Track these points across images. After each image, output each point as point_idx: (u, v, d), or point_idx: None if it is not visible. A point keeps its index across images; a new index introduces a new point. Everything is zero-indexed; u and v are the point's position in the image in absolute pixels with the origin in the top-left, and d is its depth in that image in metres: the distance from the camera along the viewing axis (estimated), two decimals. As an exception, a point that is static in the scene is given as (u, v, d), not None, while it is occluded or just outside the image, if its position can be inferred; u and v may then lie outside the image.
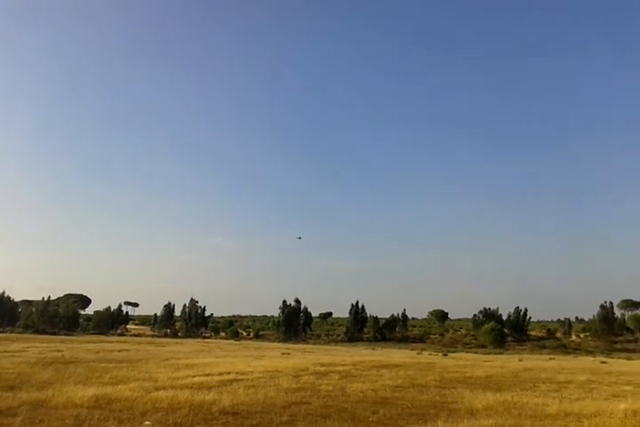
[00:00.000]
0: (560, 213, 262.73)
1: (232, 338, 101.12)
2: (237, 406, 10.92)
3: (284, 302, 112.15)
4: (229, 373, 19.08)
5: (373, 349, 71.66)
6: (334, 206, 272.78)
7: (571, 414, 11.04)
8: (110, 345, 47.61)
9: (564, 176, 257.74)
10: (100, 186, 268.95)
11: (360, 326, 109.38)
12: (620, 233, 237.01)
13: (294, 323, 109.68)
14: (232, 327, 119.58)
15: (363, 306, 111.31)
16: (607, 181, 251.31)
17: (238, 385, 15.04)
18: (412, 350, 70.14)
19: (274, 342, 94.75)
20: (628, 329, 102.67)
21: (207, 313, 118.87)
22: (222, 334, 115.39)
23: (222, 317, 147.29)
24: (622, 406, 12.19)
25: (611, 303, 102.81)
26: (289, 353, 41.95)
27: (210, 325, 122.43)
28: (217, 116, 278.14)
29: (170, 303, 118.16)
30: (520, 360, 42.73)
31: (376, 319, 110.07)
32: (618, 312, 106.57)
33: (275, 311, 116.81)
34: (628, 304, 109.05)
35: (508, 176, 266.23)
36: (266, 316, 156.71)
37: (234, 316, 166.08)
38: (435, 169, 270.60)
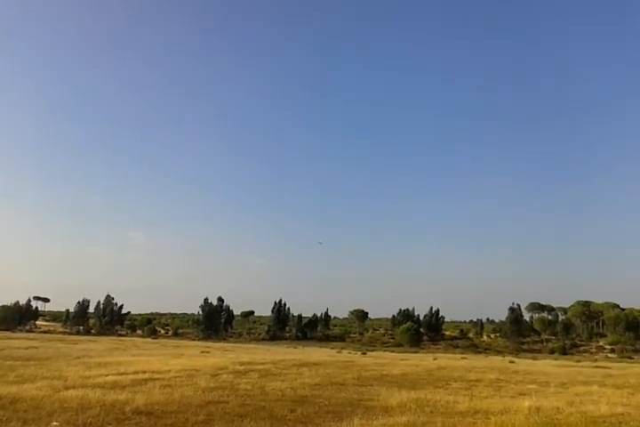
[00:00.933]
0: (476, 219, 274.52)
1: (149, 336, 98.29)
2: (152, 406, 10.58)
3: (206, 299, 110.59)
4: (145, 372, 18.49)
5: (295, 347, 71.94)
6: (256, 200, 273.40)
7: (479, 412, 11.53)
8: (17, 342, 44.95)
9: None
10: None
11: (282, 325, 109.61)
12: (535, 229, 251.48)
13: (215, 321, 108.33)
14: (150, 325, 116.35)
15: (285, 304, 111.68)
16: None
17: (154, 384, 14.59)
18: (332, 348, 70.99)
19: (193, 340, 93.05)
20: (534, 331, 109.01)
21: (124, 310, 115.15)
22: (139, 331, 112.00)
23: (140, 314, 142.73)
24: (527, 403, 12.91)
25: (519, 306, 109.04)
26: (208, 352, 41.26)
27: (126, 322, 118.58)
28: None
29: (84, 299, 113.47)
30: (434, 359, 44.17)
31: (299, 318, 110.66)
32: (526, 315, 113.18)
33: (195, 309, 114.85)
34: (535, 307, 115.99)
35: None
36: (186, 314, 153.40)
37: (152, 313, 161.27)
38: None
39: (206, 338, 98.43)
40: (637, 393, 17.80)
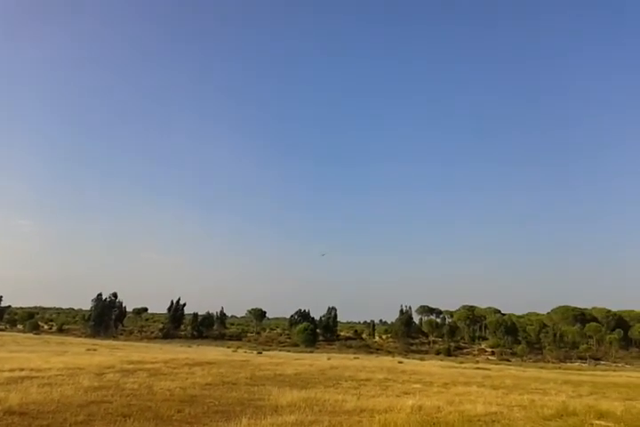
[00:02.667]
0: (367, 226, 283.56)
1: (31, 331, 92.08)
2: (27, 406, 9.92)
3: (99, 295, 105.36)
4: (22, 369, 17.33)
5: (189, 346, 70.38)
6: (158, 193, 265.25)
7: (365, 410, 11.90)
8: None
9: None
10: None
11: (177, 323, 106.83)
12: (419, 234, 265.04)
13: (106, 318, 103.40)
14: (32, 320, 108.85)
15: (179, 301, 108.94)
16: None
17: (31, 383, 13.70)
18: (228, 347, 70.26)
19: (79, 337, 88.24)
20: (423, 332, 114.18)
21: (4, 303, 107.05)
22: (20, 326, 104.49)
23: (22, 308, 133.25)
24: (410, 402, 13.49)
25: (410, 308, 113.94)
26: (95, 349, 39.36)
27: (6, 316, 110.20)
28: None
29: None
30: (328, 359, 45.03)
31: (195, 316, 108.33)
32: (416, 317, 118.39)
33: (82, 304, 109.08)
34: (425, 310, 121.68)
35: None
36: (72, 309, 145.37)
37: (35, 307, 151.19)
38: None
39: (94, 335, 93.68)
40: (511, 393, 19.18)
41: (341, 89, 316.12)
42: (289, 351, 70.03)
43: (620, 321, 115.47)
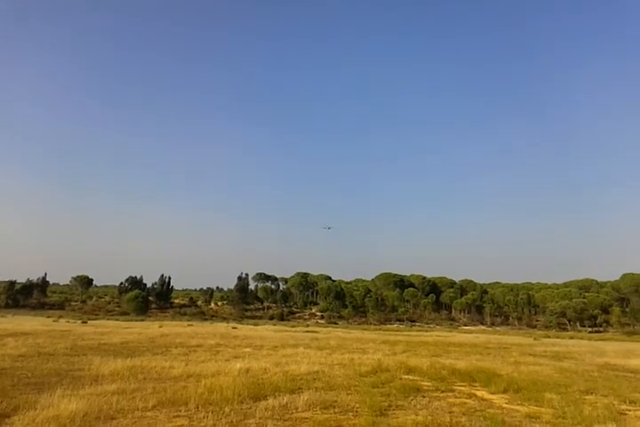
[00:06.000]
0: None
1: None
2: None
3: None
4: None
5: (3, 316, 64.05)
6: None
7: (193, 375, 11.92)
8: None
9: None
10: None
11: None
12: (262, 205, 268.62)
13: None
14: None
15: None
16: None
17: None
18: (48, 317, 65.25)
19: None
20: (258, 299, 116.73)
21: None
22: None
23: None
24: (238, 365, 13.81)
25: (247, 275, 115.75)
26: None
27: None
28: None
29: None
30: (160, 327, 44.11)
31: (11, 284, 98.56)
32: (252, 284, 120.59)
33: None
34: (262, 277, 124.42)
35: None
36: None
37: None
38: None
39: None
40: (334, 353, 20.54)
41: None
42: (118, 320, 67.11)
43: (433, 287, 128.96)
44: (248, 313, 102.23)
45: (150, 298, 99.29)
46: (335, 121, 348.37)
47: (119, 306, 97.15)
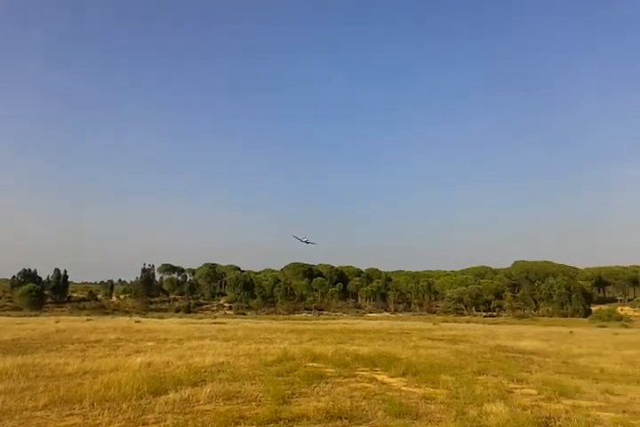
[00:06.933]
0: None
1: None
2: None
3: None
4: None
5: None
6: None
7: (89, 372, 11.42)
8: None
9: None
10: None
11: None
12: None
13: None
14: None
15: None
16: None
17: None
18: None
19: None
20: (163, 291, 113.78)
21: None
22: None
23: None
24: (139, 360, 13.39)
25: (152, 266, 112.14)
26: None
27: None
28: None
29: None
30: (57, 322, 41.83)
31: None
32: (158, 276, 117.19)
33: None
34: (167, 268, 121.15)
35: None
36: None
37: None
38: None
39: None
40: (241, 344, 20.48)
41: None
42: (9, 316, 62.81)
43: (341, 276, 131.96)
44: (153, 306, 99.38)
45: (46, 292, 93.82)
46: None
47: (11, 301, 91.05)
